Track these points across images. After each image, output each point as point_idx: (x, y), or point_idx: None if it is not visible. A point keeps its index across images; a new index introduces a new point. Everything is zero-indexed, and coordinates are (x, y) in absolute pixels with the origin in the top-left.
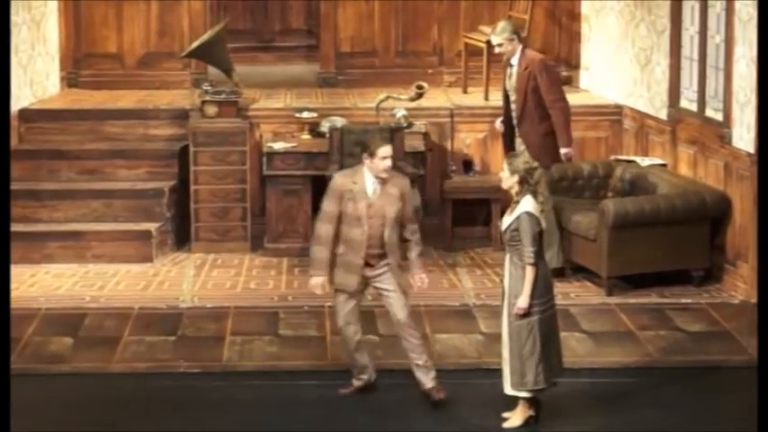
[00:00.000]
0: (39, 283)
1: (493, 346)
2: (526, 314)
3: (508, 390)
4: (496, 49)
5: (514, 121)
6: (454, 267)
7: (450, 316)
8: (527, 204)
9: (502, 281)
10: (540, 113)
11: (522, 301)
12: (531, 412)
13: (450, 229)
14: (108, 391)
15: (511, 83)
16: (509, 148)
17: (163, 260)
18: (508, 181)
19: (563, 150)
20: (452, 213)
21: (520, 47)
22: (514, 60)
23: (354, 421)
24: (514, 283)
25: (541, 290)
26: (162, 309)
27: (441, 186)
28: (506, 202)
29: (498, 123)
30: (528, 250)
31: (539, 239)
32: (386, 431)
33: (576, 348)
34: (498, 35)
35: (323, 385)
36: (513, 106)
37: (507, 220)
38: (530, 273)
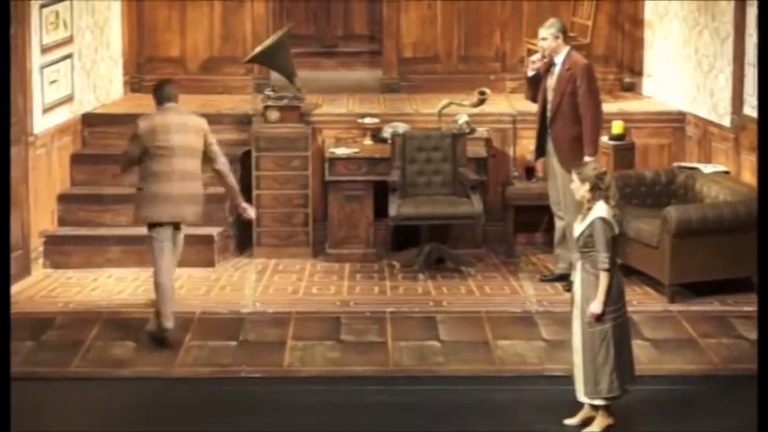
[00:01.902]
0: (101, 288)
1: (555, 352)
2: (600, 321)
3: (581, 398)
4: (540, 43)
5: (547, 121)
6: (516, 273)
7: (512, 322)
8: (600, 210)
9: (568, 288)
10: (573, 116)
11: (596, 306)
12: (611, 421)
13: (513, 235)
14: (170, 395)
15: (551, 81)
16: (540, 151)
17: (225, 265)
18: (580, 190)
19: (587, 158)
20: (514, 219)
21: (566, 48)
22: (558, 60)
23: (415, 426)
24: (586, 289)
25: (615, 296)
26: (224, 313)
27: (503, 192)
28: None
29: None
30: (602, 256)
31: (612, 245)
32: None
33: (639, 356)
34: (546, 29)
35: (384, 391)
36: (548, 106)
37: (580, 227)
38: (604, 278)
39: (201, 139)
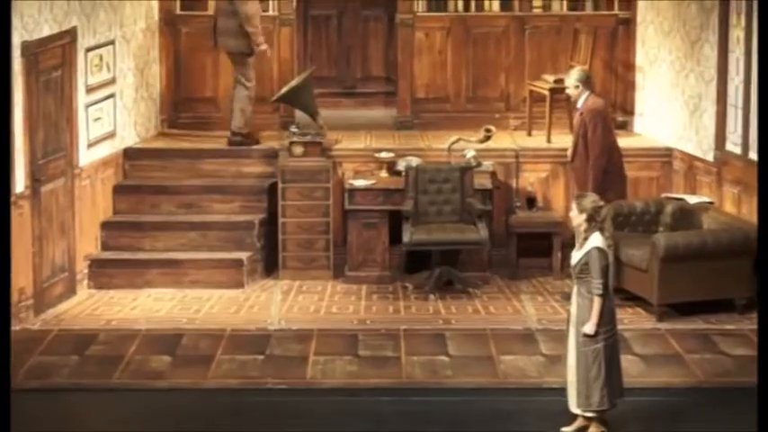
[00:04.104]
0: (140, 306)
1: (553, 366)
2: (593, 341)
3: (574, 409)
4: (567, 91)
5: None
6: (518, 294)
7: (514, 339)
8: (596, 240)
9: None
10: (588, 155)
11: (589, 328)
12: (604, 429)
13: (515, 259)
14: (202, 405)
15: (574, 124)
16: None
17: (253, 286)
18: (577, 219)
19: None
20: (517, 245)
21: (585, 94)
22: (579, 104)
23: None
24: (581, 312)
25: (607, 319)
26: (252, 330)
27: (506, 221)
28: (565, 235)
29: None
30: (596, 282)
31: (606, 272)
32: None
33: (629, 369)
34: (567, 80)
35: (398, 401)
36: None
37: (576, 255)
38: (597, 303)
39: None
